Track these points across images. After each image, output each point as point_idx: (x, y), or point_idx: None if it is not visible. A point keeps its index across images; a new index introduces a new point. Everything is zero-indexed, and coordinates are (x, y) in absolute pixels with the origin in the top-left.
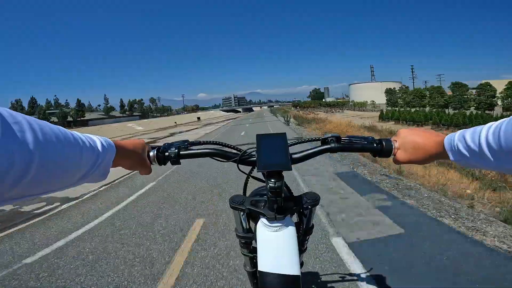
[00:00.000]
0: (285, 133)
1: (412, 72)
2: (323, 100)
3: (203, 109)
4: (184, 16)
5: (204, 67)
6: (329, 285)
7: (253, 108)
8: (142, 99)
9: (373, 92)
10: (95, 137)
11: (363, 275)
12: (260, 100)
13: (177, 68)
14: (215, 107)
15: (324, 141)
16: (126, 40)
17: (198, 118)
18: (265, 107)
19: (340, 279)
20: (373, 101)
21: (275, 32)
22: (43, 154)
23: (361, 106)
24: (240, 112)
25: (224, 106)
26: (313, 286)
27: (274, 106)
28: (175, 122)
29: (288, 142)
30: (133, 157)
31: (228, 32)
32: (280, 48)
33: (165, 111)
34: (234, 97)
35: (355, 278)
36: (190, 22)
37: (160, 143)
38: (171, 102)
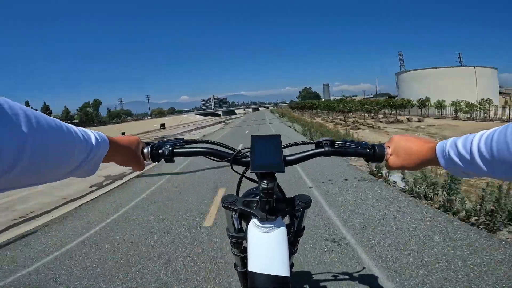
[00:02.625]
0: (279, 135)
1: (460, 61)
2: (321, 99)
3: (180, 112)
4: (168, 16)
5: (187, 69)
6: (321, 284)
7: (236, 111)
8: (89, 102)
9: (458, 81)
10: (90, 131)
11: (355, 274)
12: (243, 102)
13: (160, 71)
14: (195, 109)
15: (318, 145)
16: (105, 42)
17: (162, 125)
18: (249, 110)
19: (333, 278)
20: None
21: (260, 33)
22: (36, 142)
23: (467, 110)
24: (219, 115)
25: (203, 109)
26: (305, 285)
27: (260, 108)
28: (123, 133)
29: (282, 144)
30: (126, 153)
31: (213, 33)
32: (263, 49)
33: (112, 116)
34: (214, 99)
35: (347, 277)
36: (174, 23)
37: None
38: (153, 105)
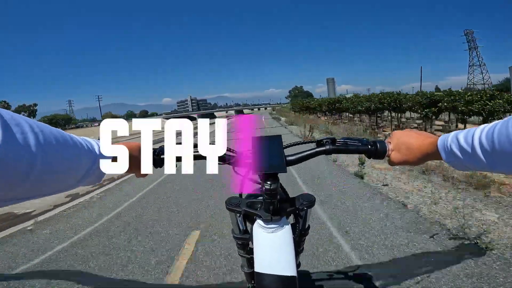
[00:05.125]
0: (280, 136)
1: None
2: (314, 98)
3: (152, 115)
4: (151, 15)
5: (171, 71)
6: (317, 283)
7: (216, 114)
8: (36, 104)
9: None
10: (93, 140)
11: (350, 274)
12: (226, 104)
13: (143, 72)
14: (175, 111)
15: (320, 143)
16: (84, 44)
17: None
18: (232, 112)
19: (328, 277)
20: None
21: (244, 34)
22: (45, 157)
23: None
24: (195, 119)
25: (179, 111)
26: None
27: (244, 110)
28: None
29: (284, 144)
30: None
31: (199, 33)
32: (247, 49)
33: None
34: (192, 100)
35: (342, 276)
36: (157, 23)
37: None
38: (133, 107)
